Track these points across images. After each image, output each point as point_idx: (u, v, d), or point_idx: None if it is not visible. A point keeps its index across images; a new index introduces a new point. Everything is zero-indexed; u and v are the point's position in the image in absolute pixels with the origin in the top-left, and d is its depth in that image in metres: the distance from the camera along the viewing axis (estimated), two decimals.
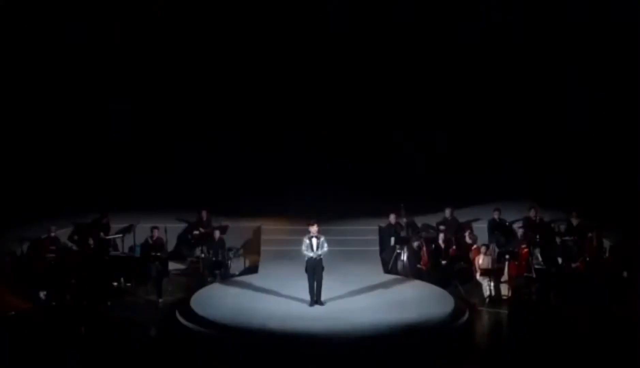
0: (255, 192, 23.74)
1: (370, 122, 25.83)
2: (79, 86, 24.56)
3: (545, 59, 25.09)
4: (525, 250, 18.19)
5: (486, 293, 17.74)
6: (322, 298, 16.79)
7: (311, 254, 16.78)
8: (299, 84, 25.59)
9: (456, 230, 20.04)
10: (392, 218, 20.05)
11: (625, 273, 17.93)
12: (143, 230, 19.66)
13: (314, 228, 16.87)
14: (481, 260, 18.06)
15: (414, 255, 19.04)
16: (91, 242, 18.65)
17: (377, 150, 25.58)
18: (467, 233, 19.59)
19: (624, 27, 23.41)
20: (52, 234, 19.01)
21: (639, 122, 23.05)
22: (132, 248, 19.67)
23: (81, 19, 24.27)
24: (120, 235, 19.97)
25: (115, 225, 20.41)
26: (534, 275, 17.72)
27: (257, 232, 21.17)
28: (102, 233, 19.48)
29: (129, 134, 24.87)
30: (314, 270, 16.80)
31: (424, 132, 25.58)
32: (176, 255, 20.46)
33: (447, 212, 20.44)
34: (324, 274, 16.90)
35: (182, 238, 20.97)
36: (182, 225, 21.15)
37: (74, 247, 19.14)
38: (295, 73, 25.62)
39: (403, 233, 19.65)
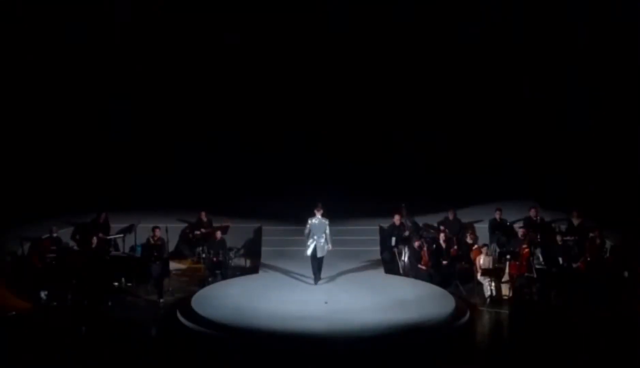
0: (256, 192, 23.76)
1: (370, 122, 25.85)
2: (79, 86, 24.55)
3: (546, 59, 25.12)
4: (526, 250, 18.18)
5: (487, 293, 17.72)
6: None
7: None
8: (299, 84, 25.59)
9: (457, 230, 20.04)
10: (396, 219, 20.03)
11: (626, 273, 17.94)
12: (144, 230, 19.64)
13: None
14: (482, 260, 18.05)
15: (415, 255, 19.03)
16: (94, 241, 18.62)
17: (377, 150, 25.57)
18: (468, 233, 19.57)
19: (624, 27, 23.44)
20: (54, 234, 19.00)
21: (639, 122, 23.11)
22: (133, 248, 19.64)
23: (81, 19, 24.31)
24: (121, 235, 19.95)
25: (116, 225, 20.39)
26: (535, 275, 17.69)
27: (258, 232, 21.15)
28: (101, 234, 19.44)
29: (129, 134, 24.86)
30: None
31: (424, 132, 25.59)
32: (177, 255, 20.46)
33: (450, 215, 20.39)
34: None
35: (183, 238, 20.94)
36: (183, 225, 21.12)
37: (75, 247, 19.11)
38: (295, 73, 25.63)
39: (405, 234, 19.65)
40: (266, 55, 25.66)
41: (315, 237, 18.18)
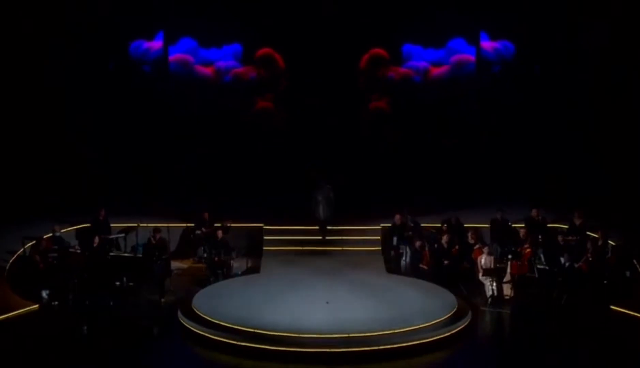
0: (257, 192, 23.81)
1: (372, 121, 25.89)
2: (79, 85, 24.58)
3: (545, 58, 25.18)
4: (528, 250, 18.19)
5: (488, 293, 17.71)
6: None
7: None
8: (299, 83, 25.65)
9: (459, 230, 20.01)
10: (398, 219, 20.05)
11: (627, 273, 17.93)
12: (145, 230, 19.65)
13: None
14: (483, 260, 18.03)
15: (416, 255, 19.03)
16: (96, 241, 18.65)
17: (379, 149, 25.62)
18: (469, 233, 19.55)
19: (624, 26, 23.45)
20: (57, 234, 19.02)
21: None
22: (134, 248, 19.62)
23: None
24: (123, 234, 19.94)
25: (118, 225, 20.39)
26: (537, 275, 17.69)
27: (259, 232, 21.14)
28: (102, 234, 19.44)
29: (130, 133, 24.89)
30: None
31: (425, 132, 25.64)
32: (179, 255, 20.46)
33: (453, 219, 20.33)
34: None
35: (185, 238, 20.95)
36: (185, 225, 21.11)
37: (77, 247, 19.10)
38: (295, 72, 25.69)
39: (407, 234, 19.65)
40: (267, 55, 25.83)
41: (321, 202, 20.84)
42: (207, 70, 25.81)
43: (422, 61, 25.83)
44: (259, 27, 25.23)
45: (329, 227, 21.15)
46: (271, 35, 25.41)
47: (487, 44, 25.65)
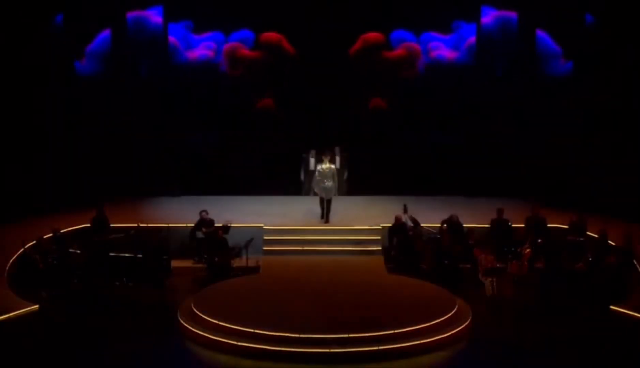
0: (257, 191, 23.81)
1: (372, 120, 25.92)
2: (79, 85, 24.60)
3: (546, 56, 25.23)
4: (528, 250, 18.19)
5: (489, 293, 17.72)
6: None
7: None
8: (299, 82, 25.68)
9: (459, 230, 20.00)
10: (398, 219, 20.05)
11: (627, 273, 17.92)
12: (145, 230, 19.62)
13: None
14: (484, 260, 18.04)
15: (417, 255, 19.02)
16: (95, 240, 18.67)
17: (379, 149, 25.62)
18: (469, 233, 19.53)
19: (622, 25, 23.45)
20: (57, 234, 19.02)
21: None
22: (134, 248, 19.58)
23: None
24: (123, 235, 19.93)
25: (118, 225, 20.39)
26: (537, 275, 17.68)
27: (260, 232, 21.13)
28: (102, 234, 19.44)
29: (129, 132, 24.90)
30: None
31: (426, 131, 25.65)
32: (178, 255, 20.44)
33: (453, 219, 20.31)
34: None
35: (185, 238, 20.92)
36: (185, 225, 21.10)
37: (77, 246, 19.10)
38: (295, 71, 25.72)
39: (408, 234, 19.63)
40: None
41: (325, 181, 20.60)
42: (209, 54, 25.80)
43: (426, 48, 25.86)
44: (265, 12, 25.21)
45: (327, 227, 21.09)
46: (276, 21, 25.37)
47: (488, 19, 25.54)
